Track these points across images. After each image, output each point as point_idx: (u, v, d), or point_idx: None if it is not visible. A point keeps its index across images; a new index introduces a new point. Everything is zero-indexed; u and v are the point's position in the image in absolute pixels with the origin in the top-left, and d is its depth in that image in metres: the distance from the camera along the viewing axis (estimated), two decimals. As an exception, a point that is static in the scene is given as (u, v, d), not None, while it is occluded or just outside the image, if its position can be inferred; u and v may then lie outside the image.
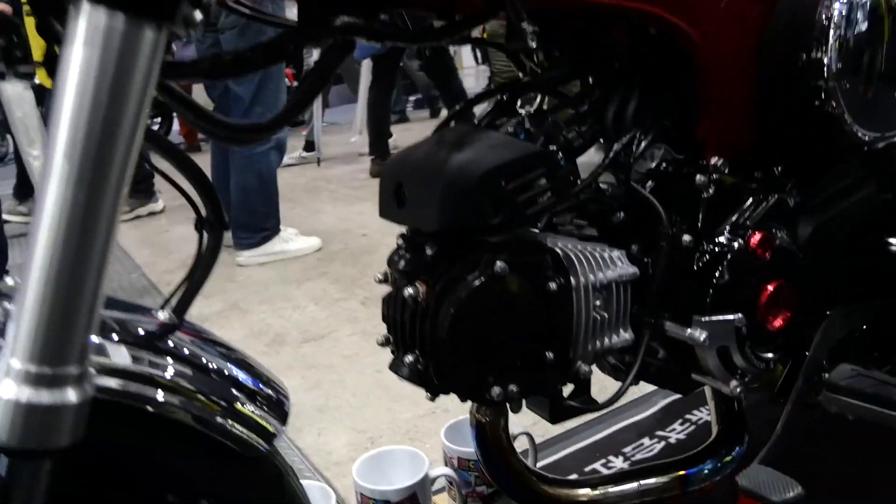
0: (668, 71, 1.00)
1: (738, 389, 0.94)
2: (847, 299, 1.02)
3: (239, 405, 0.77)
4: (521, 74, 1.05)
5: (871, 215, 1.06)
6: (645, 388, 2.00)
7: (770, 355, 0.93)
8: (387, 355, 0.93)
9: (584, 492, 1.04)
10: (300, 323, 2.64)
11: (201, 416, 0.72)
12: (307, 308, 2.76)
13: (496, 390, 0.86)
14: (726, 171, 1.00)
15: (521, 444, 1.49)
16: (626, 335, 0.95)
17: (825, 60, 0.92)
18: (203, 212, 0.81)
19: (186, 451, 0.72)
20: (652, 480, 1.05)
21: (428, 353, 0.85)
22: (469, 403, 1.01)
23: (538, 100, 1.06)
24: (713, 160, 1.00)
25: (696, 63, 0.96)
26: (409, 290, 0.85)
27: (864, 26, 0.92)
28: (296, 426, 1.94)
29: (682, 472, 1.06)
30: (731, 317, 0.89)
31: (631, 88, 1.00)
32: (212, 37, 3.15)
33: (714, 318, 0.89)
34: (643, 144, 0.96)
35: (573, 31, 1.01)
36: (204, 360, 0.81)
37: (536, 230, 0.94)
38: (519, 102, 1.03)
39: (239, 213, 3.26)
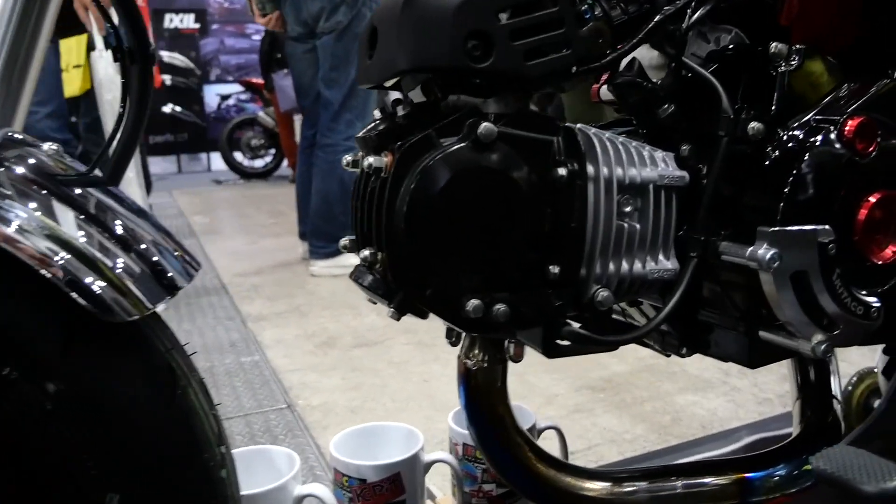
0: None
1: (824, 347, 0.66)
2: None
3: (115, 267, 0.57)
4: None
5: None
6: (727, 419, 1.70)
7: (872, 300, 0.65)
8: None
9: (603, 486, 0.78)
10: (356, 329, 2.47)
11: (65, 268, 0.54)
12: (367, 317, 2.58)
13: (473, 304, 0.63)
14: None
15: (550, 445, 1.22)
16: (667, 262, 0.70)
17: None
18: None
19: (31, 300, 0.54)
20: (700, 481, 0.78)
21: (383, 245, 0.63)
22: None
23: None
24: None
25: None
26: (369, 161, 0.65)
27: None
28: (323, 424, 1.76)
29: (741, 476, 0.77)
30: (812, 227, 0.62)
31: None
32: (310, 42, 3.11)
33: (788, 228, 0.63)
34: (701, 10, 0.72)
35: None
36: (104, 218, 0.63)
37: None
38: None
39: (317, 221, 3.16)
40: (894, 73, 0.76)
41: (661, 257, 0.70)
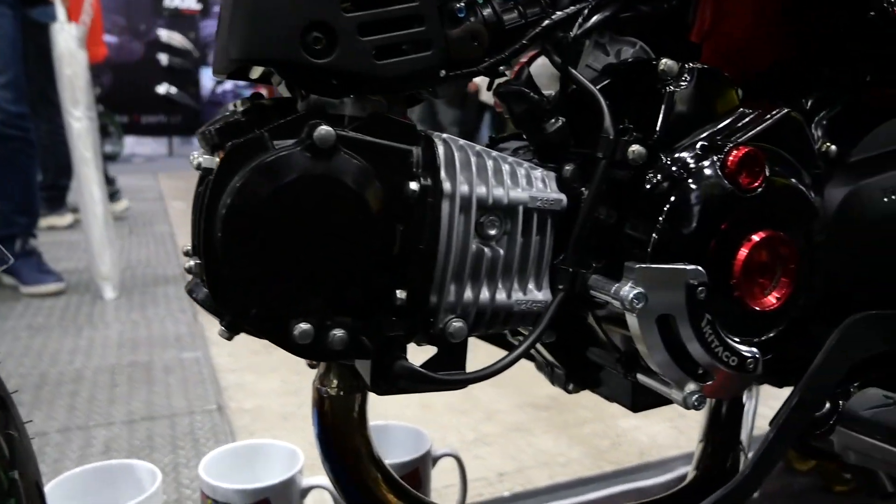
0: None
1: (696, 398, 0.59)
2: (880, 304, 0.66)
3: None
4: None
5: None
6: (667, 446, 1.63)
7: (750, 349, 0.58)
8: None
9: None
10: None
11: None
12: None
13: (301, 328, 0.56)
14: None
15: (446, 475, 1.16)
16: (538, 293, 0.63)
17: None
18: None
19: None
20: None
21: (202, 255, 0.56)
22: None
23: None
24: None
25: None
26: (198, 160, 0.58)
27: None
28: (250, 430, 1.70)
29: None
30: (681, 266, 0.55)
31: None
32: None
33: (654, 266, 0.56)
34: (596, 17, 0.65)
35: None
36: None
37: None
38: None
39: None
40: (808, 101, 0.70)
41: (531, 287, 0.63)
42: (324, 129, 0.55)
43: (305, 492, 0.92)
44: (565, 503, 1.42)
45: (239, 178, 0.54)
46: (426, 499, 0.72)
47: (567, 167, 0.64)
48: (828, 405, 0.64)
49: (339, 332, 0.58)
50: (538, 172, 0.64)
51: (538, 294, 0.63)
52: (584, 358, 0.72)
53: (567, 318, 0.67)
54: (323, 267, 0.56)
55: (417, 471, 0.96)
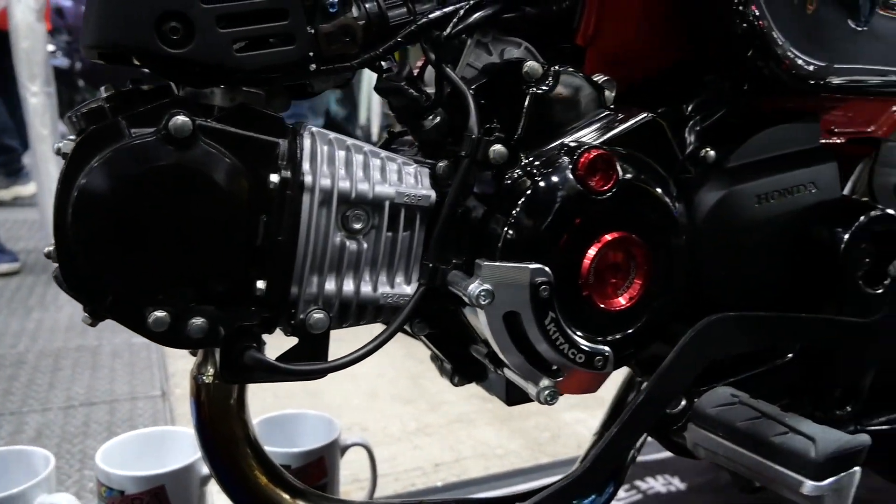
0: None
1: (548, 394, 0.61)
2: (749, 306, 0.68)
3: None
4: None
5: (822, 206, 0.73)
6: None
7: (596, 347, 0.60)
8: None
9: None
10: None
11: None
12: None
13: (156, 316, 0.57)
14: (611, 92, 0.70)
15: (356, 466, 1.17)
16: (406, 287, 0.65)
17: None
18: None
19: None
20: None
21: (56, 241, 0.57)
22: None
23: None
24: (595, 77, 0.69)
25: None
26: (58, 145, 0.59)
27: None
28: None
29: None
30: (524, 265, 0.57)
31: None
32: None
33: (500, 264, 0.57)
34: (476, 15, 0.66)
35: None
36: None
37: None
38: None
39: None
40: (689, 106, 0.72)
41: (398, 281, 0.65)
42: (180, 118, 0.56)
43: (207, 479, 0.93)
44: (495, 494, 1.44)
45: (91, 164, 0.55)
46: (300, 484, 0.73)
47: (441, 164, 0.65)
48: (683, 402, 0.66)
49: (198, 321, 0.59)
50: (412, 168, 0.66)
51: (406, 288, 0.65)
52: (465, 352, 0.73)
53: (443, 312, 0.69)
54: (179, 256, 0.58)
55: (323, 459, 0.98)
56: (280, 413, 1.06)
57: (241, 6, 0.57)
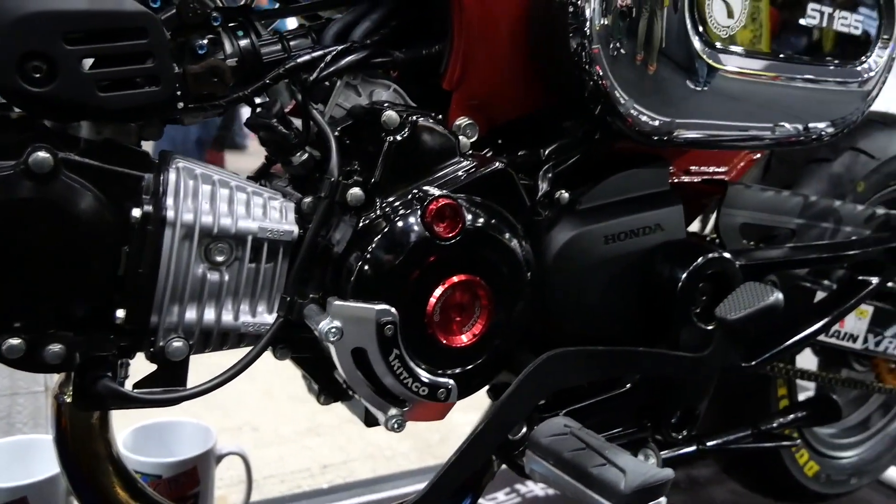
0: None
1: (395, 422, 0.66)
2: (595, 338, 0.75)
3: None
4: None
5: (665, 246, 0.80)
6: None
7: (439, 380, 0.66)
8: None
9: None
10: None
11: None
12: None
13: (10, 344, 0.60)
14: (473, 137, 0.75)
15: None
16: (267, 317, 0.69)
17: (587, 12, 0.68)
18: None
19: None
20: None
21: None
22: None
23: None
24: (459, 120, 0.75)
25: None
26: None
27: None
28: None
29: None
30: (370, 306, 0.62)
31: (372, 5, 0.76)
32: None
33: (349, 304, 0.63)
34: (345, 60, 0.71)
35: None
36: None
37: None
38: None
39: None
40: (545, 150, 0.78)
41: (260, 310, 0.69)
42: (41, 154, 0.58)
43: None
44: (379, 497, 1.49)
45: (-52, 196, 0.57)
46: (163, 500, 0.77)
47: (306, 200, 0.70)
48: (524, 429, 0.73)
49: (55, 347, 0.62)
50: (278, 202, 0.70)
51: (268, 317, 0.69)
52: (329, 374, 0.78)
53: (305, 339, 0.73)
54: (37, 285, 0.60)
55: (195, 469, 1.00)
56: (155, 421, 1.08)
57: (105, 48, 0.60)
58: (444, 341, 0.66)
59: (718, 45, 0.75)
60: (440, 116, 0.75)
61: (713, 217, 0.94)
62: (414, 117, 0.69)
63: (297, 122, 0.72)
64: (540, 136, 0.79)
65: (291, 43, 0.74)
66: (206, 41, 0.66)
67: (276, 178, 0.79)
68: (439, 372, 0.66)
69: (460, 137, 0.72)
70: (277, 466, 1.60)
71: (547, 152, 0.78)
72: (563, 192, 0.78)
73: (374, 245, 0.64)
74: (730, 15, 0.73)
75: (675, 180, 0.89)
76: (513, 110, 0.79)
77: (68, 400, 0.72)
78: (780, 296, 0.75)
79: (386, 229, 0.64)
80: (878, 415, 1.38)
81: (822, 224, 0.97)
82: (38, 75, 0.58)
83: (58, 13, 0.58)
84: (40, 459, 0.98)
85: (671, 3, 0.70)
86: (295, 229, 0.68)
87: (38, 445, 1.01)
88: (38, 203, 0.59)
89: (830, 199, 1.00)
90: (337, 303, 0.62)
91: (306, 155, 0.71)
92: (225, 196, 0.67)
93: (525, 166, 0.77)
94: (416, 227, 0.64)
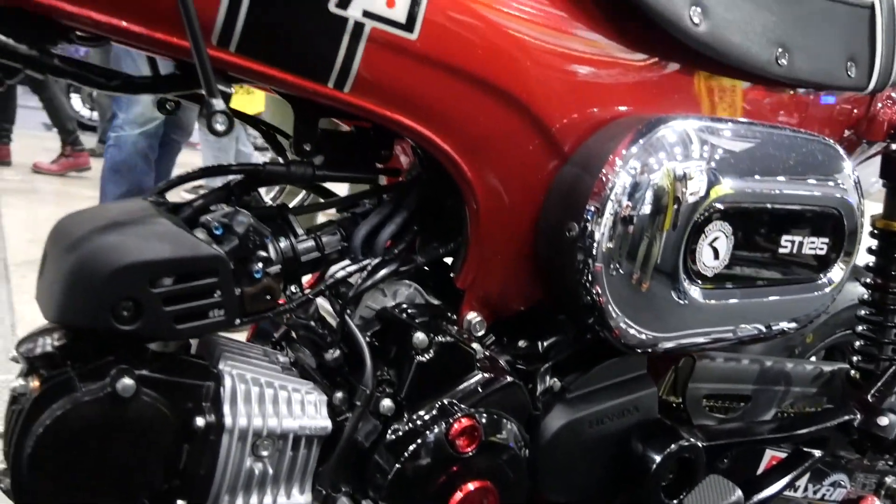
0: (441, 207, 0.89)
1: None
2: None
3: None
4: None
5: (642, 425, 0.94)
6: None
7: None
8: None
9: None
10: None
11: None
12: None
13: (93, 531, 0.71)
14: (481, 332, 0.88)
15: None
16: (300, 497, 0.81)
17: (595, 235, 0.81)
18: None
19: None
20: None
21: (10, 466, 0.70)
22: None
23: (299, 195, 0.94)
24: (469, 315, 0.88)
25: (466, 202, 0.85)
26: (16, 384, 0.71)
27: (645, 209, 0.81)
28: None
29: None
30: (400, 511, 0.75)
31: (395, 211, 0.89)
32: None
33: (384, 508, 0.76)
34: (378, 275, 0.83)
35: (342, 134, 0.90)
36: None
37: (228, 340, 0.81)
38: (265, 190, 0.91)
39: None
40: (544, 343, 0.91)
41: (294, 492, 0.81)
42: (126, 381, 0.69)
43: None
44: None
45: (47, 416, 0.68)
46: None
47: (337, 394, 0.82)
48: None
49: None
50: (314, 397, 0.81)
51: (300, 498, 0.81)
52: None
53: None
54: (111, 483, 0.71)
55: None
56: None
57: (184, 289, 0.71)
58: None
59: (702, 280, 0.88)
60: (454, 316, 0.88)
61: (670, 381, 1.08)
62: (439, 338, 0.81)
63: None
64: (536, 326, 0.93)
65: (323, 239, 0.86)
66: (260, 266, 0.78)
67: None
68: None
69: (475, 347, 0.85)
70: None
71: (545, 346, 0.91)
72: (556, 380, 0.91)
73: (404, 458, 0.76)
74: (716, 257, 0.87)
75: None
76: (516, 306, 0.93)
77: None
78: (740, 494, 0.89)
79: (414, 445, 0.77)
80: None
81: (774, 387, 1.12)
82: (126, 314, 0.70)
83: (146, 263, 0.70)
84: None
85: (669, 235, 0.83)
86: (329, 424, 0.81)
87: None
88: (120, 420, 0.70)
89: (783, 361, 1.16)
90: (377, 505, 0.75)
91: (338, 353, 0.83)
92: (270, 397, 0.79)
93: (525, 357, 0.91)
94: (440, 444, 0.77)
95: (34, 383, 0.71)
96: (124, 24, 0.68)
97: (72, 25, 0.70)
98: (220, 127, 0.68)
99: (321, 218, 1.07)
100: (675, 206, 0.81)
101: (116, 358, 0.72)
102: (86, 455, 0.70)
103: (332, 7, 0.72)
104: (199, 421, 0.74)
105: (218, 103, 0.68)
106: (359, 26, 0.73)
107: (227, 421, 0.75)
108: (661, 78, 0.94)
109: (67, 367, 0.71)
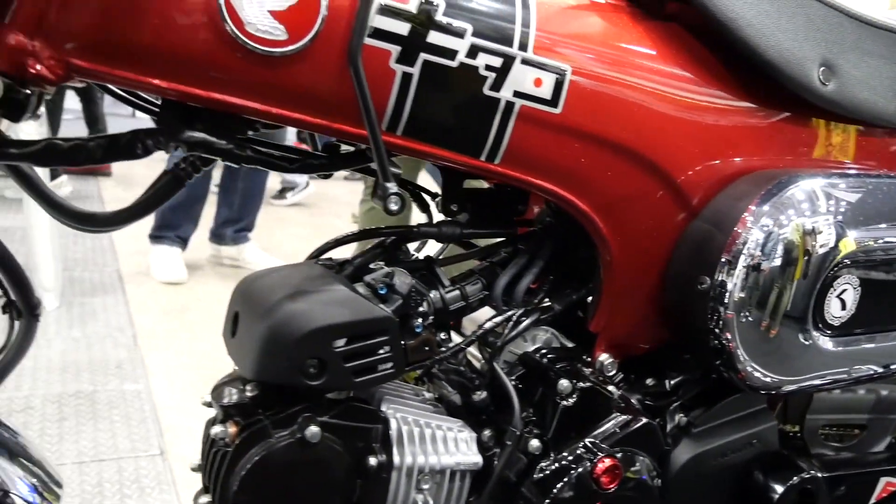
0: (572, 255, 0.96)
1: None
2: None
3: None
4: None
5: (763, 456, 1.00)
6: None
7: None
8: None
9: None
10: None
11: None
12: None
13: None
14: (613, 371, 0.96)
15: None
16: (451, 525, 0.90)
17: (728, 286, 0.87)
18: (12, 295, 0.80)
19: None
20: None
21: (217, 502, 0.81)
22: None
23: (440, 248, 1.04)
24: (601, 357, 0.96)
25: (601, 254, 0.92)
26: (216, 429, 0.82)
27: (776, 261, 0.87)
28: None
29: None
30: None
31: (531, 260, 0.97)
32: None
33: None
34: (522, 325, 0.92)
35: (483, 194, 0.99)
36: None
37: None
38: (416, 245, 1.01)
39: None
40: (671, 381, 0.98)
41: (450, 523, 0.90)
42: (314, 429, 0.80)
43: None
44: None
45: (248, 460, 0.79)
46: None
47: (486, 432, 0.91)
48: None
49: None
50: (465, 435, 0.90)
51: (455, 526, 0.91)
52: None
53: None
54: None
55: None
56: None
57: (360, 347, 0.81)
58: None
59: (829, 329, 0.94)
60: (588, 358, 0.96)
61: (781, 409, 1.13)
62: (581, 384, 0.89)
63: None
64: (663, 365, 1.00)
65: (468, 289, 0.95)
66: (420, 321, 0.87)
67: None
68: None
69: (611, 390, 0.93)
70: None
71: (672, 384, 0.98)
72: (683, 416, 0.98)
73: (552, 494, 0.85)
74: (843, 307, 0.93)
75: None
76: (643, 347, 1.00)
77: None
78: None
79: (562, 483, 0.85)
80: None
81: (889, 416, 1.17)
82: (312, 371, 0.80)
83: (331, 327, 0.80)
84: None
85: (799, 285, 0.88)
86: (480, 460, 0.90)
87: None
88: (308, 462, 0.81)
89: (896, 392, 1.20)
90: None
91: (485, 394, 0.92)
92: (430, 436, 0.88)
93: (654, 395, 0.98)
94: (585, 481, 0.85)
95: (232, 429, 0.82)
96: (308, 118, 0.77)
97: (260, 120, 0.80)
98: (394, 207, 0.77)
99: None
100: (805, 259, 0.87)
101: (302, 407, 0.82)
102: (280, 493, 0.81)
103: (486, 90, 0.80)
104: (372, 460, 0.84)
105: (392, 186, 0.77)
106: (509, 105, 0.81)
107: (396, 460, 0.85)
108: (782, 127, 0.99)
109: (261, 416, 0.82)
